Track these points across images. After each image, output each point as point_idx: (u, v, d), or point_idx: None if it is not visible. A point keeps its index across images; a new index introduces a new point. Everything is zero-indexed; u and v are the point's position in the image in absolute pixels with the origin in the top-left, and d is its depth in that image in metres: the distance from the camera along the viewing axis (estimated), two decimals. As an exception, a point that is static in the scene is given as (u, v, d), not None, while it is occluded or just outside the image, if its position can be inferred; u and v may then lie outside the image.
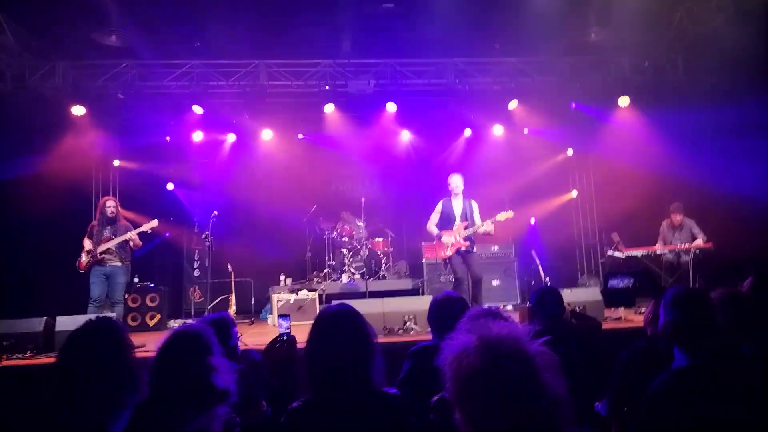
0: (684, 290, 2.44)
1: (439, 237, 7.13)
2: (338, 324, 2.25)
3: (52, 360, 5.11)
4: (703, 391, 2.07)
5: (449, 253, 7.05)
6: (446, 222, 7.22)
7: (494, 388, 1.27)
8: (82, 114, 8.47)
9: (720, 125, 7.92)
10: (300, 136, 10.54)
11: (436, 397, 2.21)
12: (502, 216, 7.09)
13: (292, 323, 3.66)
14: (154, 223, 7.29)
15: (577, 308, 5.71)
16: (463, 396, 1.34)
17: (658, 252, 7.99)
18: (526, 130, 10.50)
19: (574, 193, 11.07)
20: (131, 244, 7.16)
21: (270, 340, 3.58)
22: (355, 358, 2.15)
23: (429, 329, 3.21)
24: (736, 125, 7.87)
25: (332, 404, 2.10)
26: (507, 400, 1.26)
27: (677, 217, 8.08)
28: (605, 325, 5.44)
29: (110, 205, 7.24)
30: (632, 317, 6.21)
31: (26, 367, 5.13)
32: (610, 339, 5.03)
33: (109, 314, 6.43)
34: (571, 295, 6.07)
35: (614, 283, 3.32)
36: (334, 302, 2.65)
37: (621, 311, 6.41)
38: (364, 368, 2.16)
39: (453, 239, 7.05)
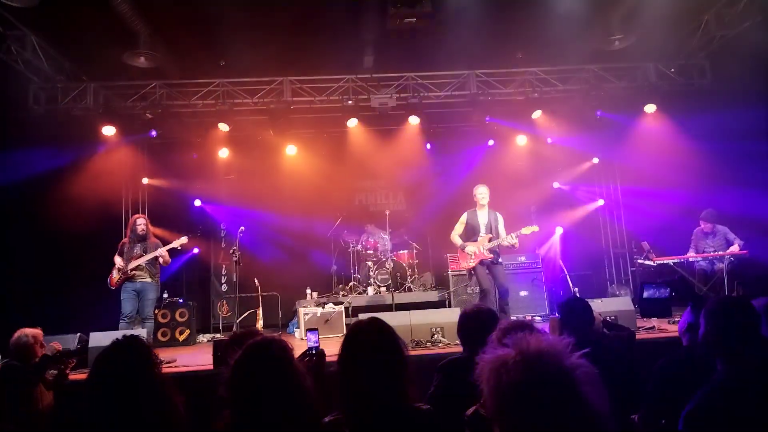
0: (725, 299, 2.38)
1: (463, 247, 7.10)
2: (370, 338, 2.24)
3: (85, 376, 5.21)
4: (746, 404, 2.00)
5: (472, 263, 7.02)
6: (471, 233, 7.19)
7: (534, 402, 1.26)
8: (113, 134, 8.69)
9: (750, 129, 7.75)
10: (323, 151, 10.64)
11: (470, 411, 2.19)
12: (527, 230, 7.11)
13: (319, 337, 3.67)
14: (184, 240, 7.42)
15: (608, 318, 5.60)
16: (502, 410, 1.33)
17: (690, 260, 7.80)
18: (549, 140, 10.43)
19: (600, 202, 10.91)
20: (161, 260, 7.29)
21: (297, 353, 3.57)
22: (388, 372, 2.14)
23: (457, 341, 3.19)
24: (766, 129, 7.69)
25: (365, 419, 2.09)
26: (547, 414, 1.25)
27: (707, 225, 7.91)
28: (638, 336, 5.33)
29: (141, 222, 7.39)
30: (666, 327, 6.07)
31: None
32: (643, 349, 4.91)
33: (139, 330, 6.55)
34: (602, 305, 5.95)
35: (650, 292, 3.23)
36: (364, 316, 2.64)
37: (654, 321, 6.28)
38: (397, 382, 2.15)
39: (476, 250, 7.02)
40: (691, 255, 7.86)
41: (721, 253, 7.61)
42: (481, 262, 7.00)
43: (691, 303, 2.76)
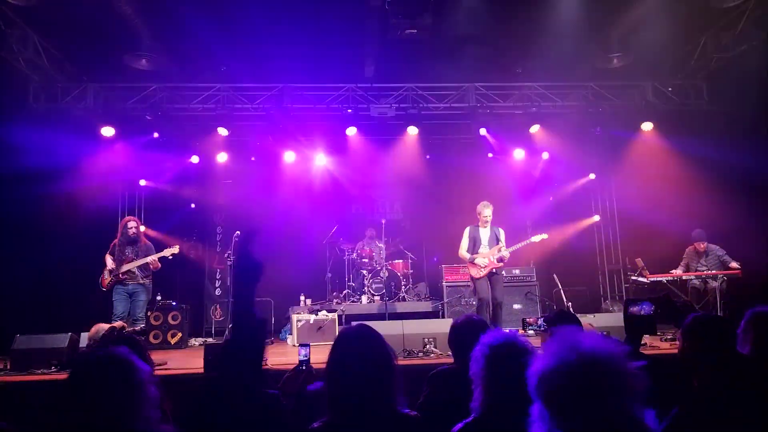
0: (702, 317, 2.39)
1: (473, 260, 7.18)
2: (358, 345, 2.24)
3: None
4: (721, 421, 2.00)
5: (483, 273, 7.10)
6: (473, 248, 7.28)
7: (585, 402, 1.31)
8: (111, 135, 8.70)
9: (745, 151, 7.82)
10: (321, 159, 10.65)
11: (458, 427, 2.18)
12: (537, 237, 7.39)
13: (312, 344, 3.66)
14: (175, 249, 7.40)
15: (603, 333, 5.62)
16: (553, 407, 1.37)
17: (684, 278, 7.84)
18: (546, 155, 10.48)
19: (596, 218, 10.95)
20: (151, 267, 7.26)
21: (288, 360, 3.57)
22: (375, 379, 2.14)
23: (449, 352, 3.19)
24: (758, 150, 7.77)
25: (352, 425, 2.09)
26: (594, 415, 1.29)
27: (701, 245, 7.95)
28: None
29: (132, 225, 7.35)
30: (657, 343, 6.08)
31: (50, 382, 5.19)
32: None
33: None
34: (594, 321, 5.98)
35: (635, 309, 3.24)
36: (354, 323, 2.65)
37: (646, 338, 6.29)
38: (384, 389, 2.15)
39: (487, 260, 7.11)
40: (682, 273, 7.89)
41: (714, 272, 7.64)
42: (488, 274, 7.10)
43: (675, 321, 2.79)
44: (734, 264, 7.60)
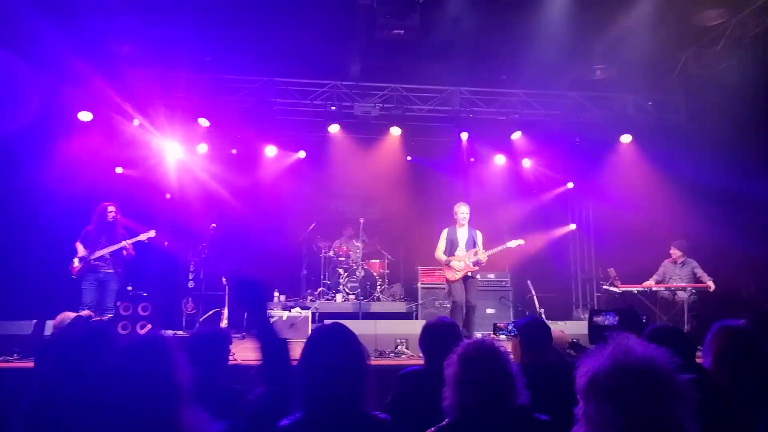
0: (660, 327, 2.44)
1: (448, 262, 7.17)
2: (331, 343, 2.23)
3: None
4: None
5: (458, 276, 7.08)
6: (450, 249, 7.28)
7: (636, 404, 1.35)
8: (89, 120, 8.51)
9: (720, 167, 8.00)
10: (301, 154, 10.60)
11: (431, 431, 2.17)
12: (513, 243, 7.38)
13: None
14: (152, 233, 7.27)
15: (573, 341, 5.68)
16: (603, 407, 1.40)
17: (653, 288, 7.97)
18: (528, 162, 10.58)
19: (572, 226, 11.09)
20: (124, 252, 7.12)
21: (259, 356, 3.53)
22: (347, 378, 2.12)
23: (420, 354, 3.19)
24: (733, 168, 7.95)
25: (322, 423, 2.07)
26: (643, 418, 1.33)
27: (677, 253, 8.05)
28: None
29: (111, 210, 7.19)
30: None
31: (8, 370, 5.06)
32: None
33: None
34: (565, 328, 6.03)
35: (599, 319, 3.30)
36: (328, 321, 2.63)
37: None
38: (356, 389, 2.14)
39: (463, 264, 7.10)
40: (654, 284, 8.01)
41: (682, 285, 7.78)
42: (464, 277, 7.08)
43: (637, 332, 2.84)
44: (707, 280, 7.67)
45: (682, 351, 2.23)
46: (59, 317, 4.60)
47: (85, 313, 5.56)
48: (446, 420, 2.17)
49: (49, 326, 5.80)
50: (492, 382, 2.10)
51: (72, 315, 4.65)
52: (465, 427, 2.11)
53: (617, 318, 3.07)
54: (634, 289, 7.93)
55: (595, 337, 3.10)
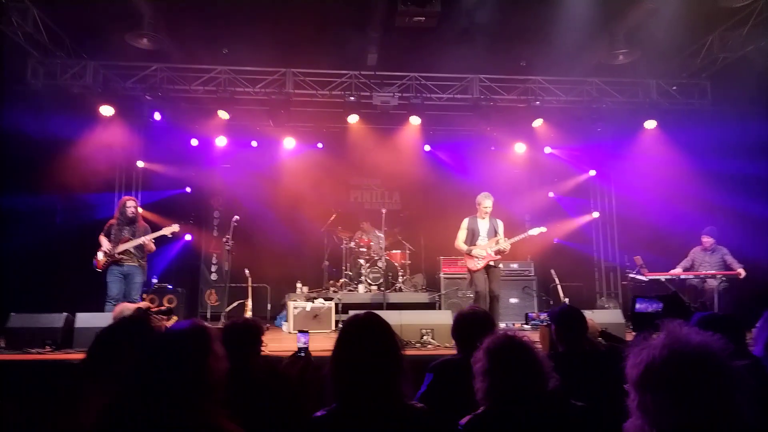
0: (710, 315, 2.38)
1: (470, 251, 7.10)
2: (367, 333, 2.20)
3: (69, 356, 5.13)
4: None
5: (480, 265, 7.02)
6: (471, 239, 7.20)
7: (694, 393, 1.34)
8: (111, 114, 8.59)
9: (747, 152, 7.82)
10: (319, 145, 10.61)
11: (466, 420, 2.15)
12: (535, 230, 7.26)
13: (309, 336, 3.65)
14: (175, 227, 7.28)
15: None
16: (661, 397, 1.39)
17: (681, 276, 7.83)
18: (548, 149, 10.45)
19: (596, 214, 10.95)
20: (145, 248, 7.16)
21: (284, 347, 3.55)
22: (383, 369, 2.10)
23: (447, 344, 3.16)
24: (761, 153, 7.76)
25: (358, 415, 2.05)
26: (700, 406, 1.32)
27: (709, 240, 7.91)
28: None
29: (131, 205, 7.23)
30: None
31: (43, 362, 5.14)
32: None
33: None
34: (592, 317, 5.95)
35: (642, 306, 3.23)
36: (361, 312, 2.61)
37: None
38: (392, 379, 2.11)
39: (485, 252, 7.03)
40: (680, 272, 7.88)
41: (712, 272, 7.64)
42: (486, 266, 7.02)
43: (685, 320, 2.78)
44: (738, 267, 7.53)
45: (734, 338, 2.18)
46: (118, 308, 4.53)
47: (143, 304, 5.58)
48: (481, 408, 2.15)
49: (81, 320, 5.87)
50: (522, 371, 2.09)
51: (131, 306, 4.62)
52: (501, 414, 2.09)
53: (661, 305, 3.00)
54: (662, 277, 7.79)
55: (639, 325, 3.03)
